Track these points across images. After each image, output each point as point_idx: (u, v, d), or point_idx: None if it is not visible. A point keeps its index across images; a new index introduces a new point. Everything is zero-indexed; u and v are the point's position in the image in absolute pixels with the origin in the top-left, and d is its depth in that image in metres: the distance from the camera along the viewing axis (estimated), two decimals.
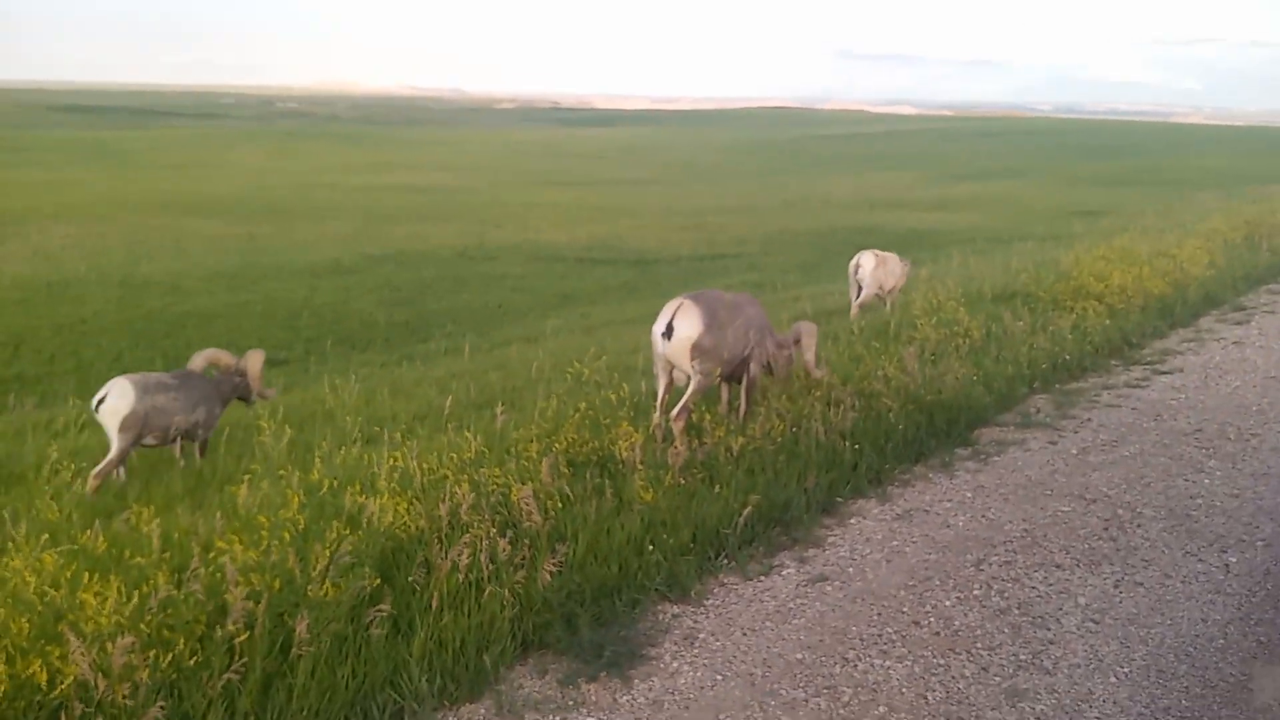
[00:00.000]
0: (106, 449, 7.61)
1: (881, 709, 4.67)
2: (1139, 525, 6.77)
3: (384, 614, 4.87)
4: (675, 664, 5.05)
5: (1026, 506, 7.10)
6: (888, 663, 5.06)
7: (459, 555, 5.27)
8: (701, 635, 5.33)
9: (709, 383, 7.57)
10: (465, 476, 6.27)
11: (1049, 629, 5.38)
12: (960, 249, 20.98)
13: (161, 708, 4.12)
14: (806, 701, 4.73)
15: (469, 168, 67.04)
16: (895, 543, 6.49)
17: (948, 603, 5.68)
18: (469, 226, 36.00)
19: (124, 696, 4.14)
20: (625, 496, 6.39)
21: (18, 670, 4.15)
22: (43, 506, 6.17)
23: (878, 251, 13.45)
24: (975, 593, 5.80)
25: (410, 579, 5.24)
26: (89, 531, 5.46)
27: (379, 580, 5.13)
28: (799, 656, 5.11)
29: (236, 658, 4.46)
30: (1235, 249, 18.63)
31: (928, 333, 10.61)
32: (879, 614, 5.56)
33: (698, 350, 7.37)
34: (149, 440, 7.85)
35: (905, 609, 5.61)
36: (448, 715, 4.63)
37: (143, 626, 4.46)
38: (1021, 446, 8.38)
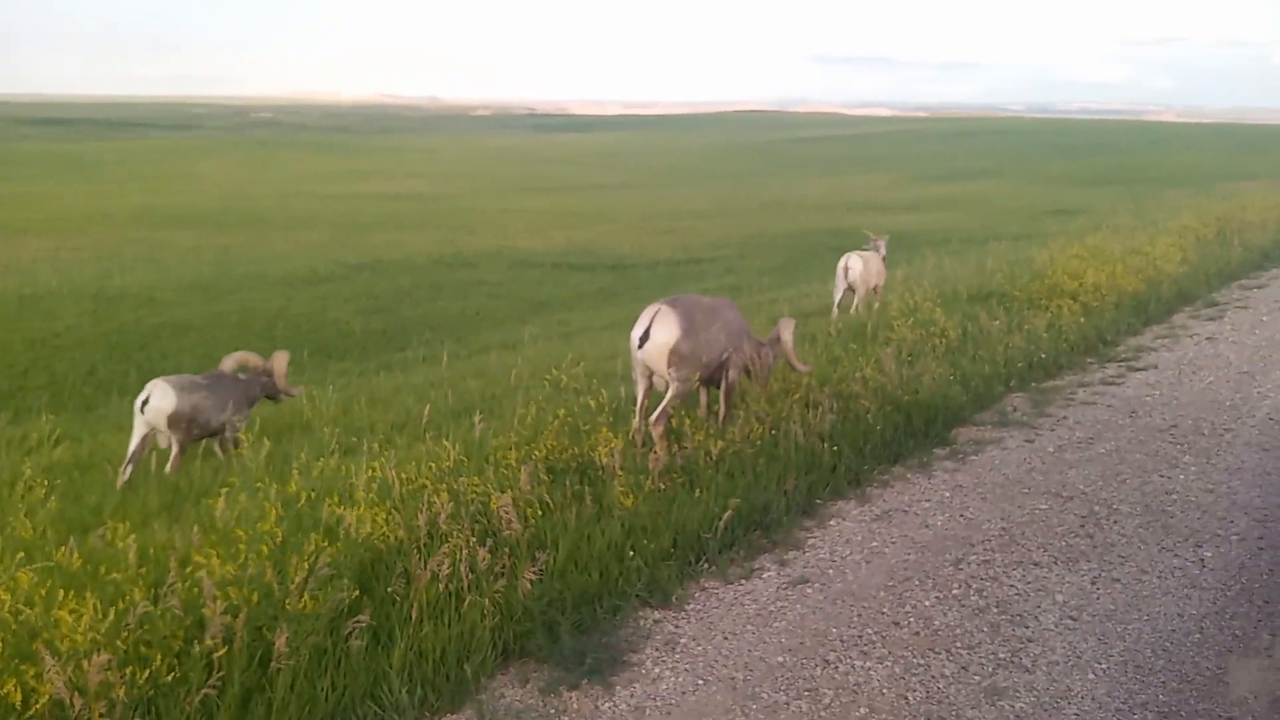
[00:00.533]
0: (123, 452, 8.35)
1: (863, 710, 4.68)
2: (1115, 522, 6.82)
3: (363, 625, 4.85)
4: (657, 670, 5.04)
5: (1004, 505, 7.14)
6: (868, 664, 5.07)
7: (438, 565, 5.25)
8: (683, 640, 5.33)
9: (687, 388, 7.58)
10: (444, 486, 6.24)
11: (1027, 627, 5.42)
12: (935, 250, 21.13)
13: None
14: (788, 704, 4.73)
15: (445, 175, 66.91)
16: (875, 543, 6.52)
17: (927, 602, 5.71)
18: (446, 234, 35.95)
19: (100, 714, 4.10)
20: (605, 503, 6.39)
21: None
22: (16, 524, 6.09)
23: (863, 252, 13.96)
24: (954, 592, 5.83)
25: (389, 590, 5.21)
26: (64, 548, 5.40)
27: (358, 592, 5.10)
28: (780, 659, 5.12)
29: (215, 673, 4.43)
30: (1207, 245, 18.81)
31: (904, 333, 10.66)
32: (859, 615, 5.57)
33: (675, 355, 7.37)
34: (193, 435, 8.51)
35: (885, 610, 5.63)
36: None
37: (119, 643, 4.42)
38: (999, 445, 8.43)
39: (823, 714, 4.66)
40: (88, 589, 4.83)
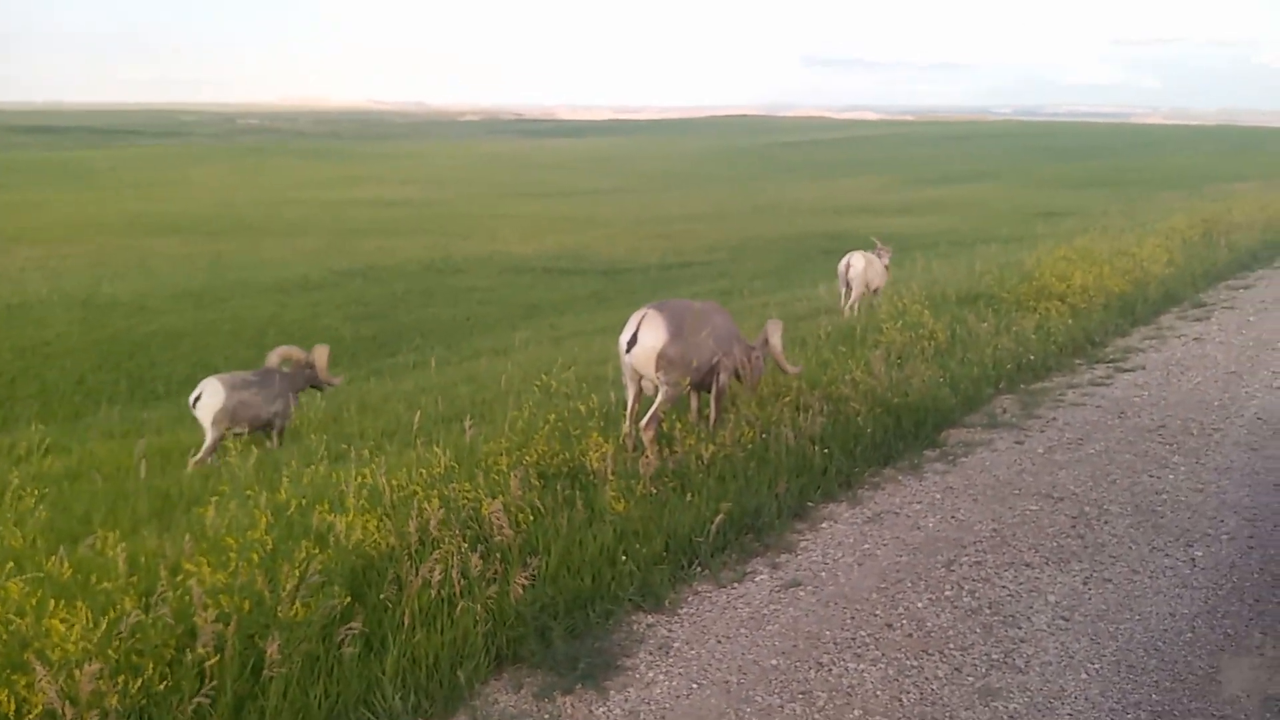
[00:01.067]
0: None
1: (857, 712, 4.69)
2: (1106, 522, 6.84)
3: (355, 632, 4.84)
4: (650, 674, 5.04)
5: (995, 506, 7.16)
6: (862, 666, 5.08)
7: (430, 571, 5.24)
8: (676, 644, 5.33)
9: (677, 392, 7.58)
10: (435, 492, 6.23)
11: (1020, 628, 5.43)
12: (925, 252, 21.19)
13: None
14: (782, 707, 4.74)
15: (435, 181, 66.89)
16: (866, 546, 6.52)
17: (920, 604, 5.72)
18: (436, 240, 35.95)
19: None
20: (597, 507, 6.38)
21: None
22: (6, 533, 6.07)
23: (865, 252, 14.29)
24: (947, 593, 5.84)
25: (381, 596, 5.20)
26: (54, 557, 5.38)
27: (350, 599, 5.09)
28: (774, 662, 5.12)
29: (207, 681, 4.42)
30: (1194, 247, 18.89)
31: (893, 336, 10.68)
32: (852, 617, 5.58)
33: (664, 360, 7.38)
34: (236, 430, 9.08)
35: (878, 612, 5.64)
36: None
37: (111, 652, 4.39)
38: (989, 447, 8.45)
39: (816, 716, 4.66)
40: (78, 598, 4.80)
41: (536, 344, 17.01)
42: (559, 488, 6.60)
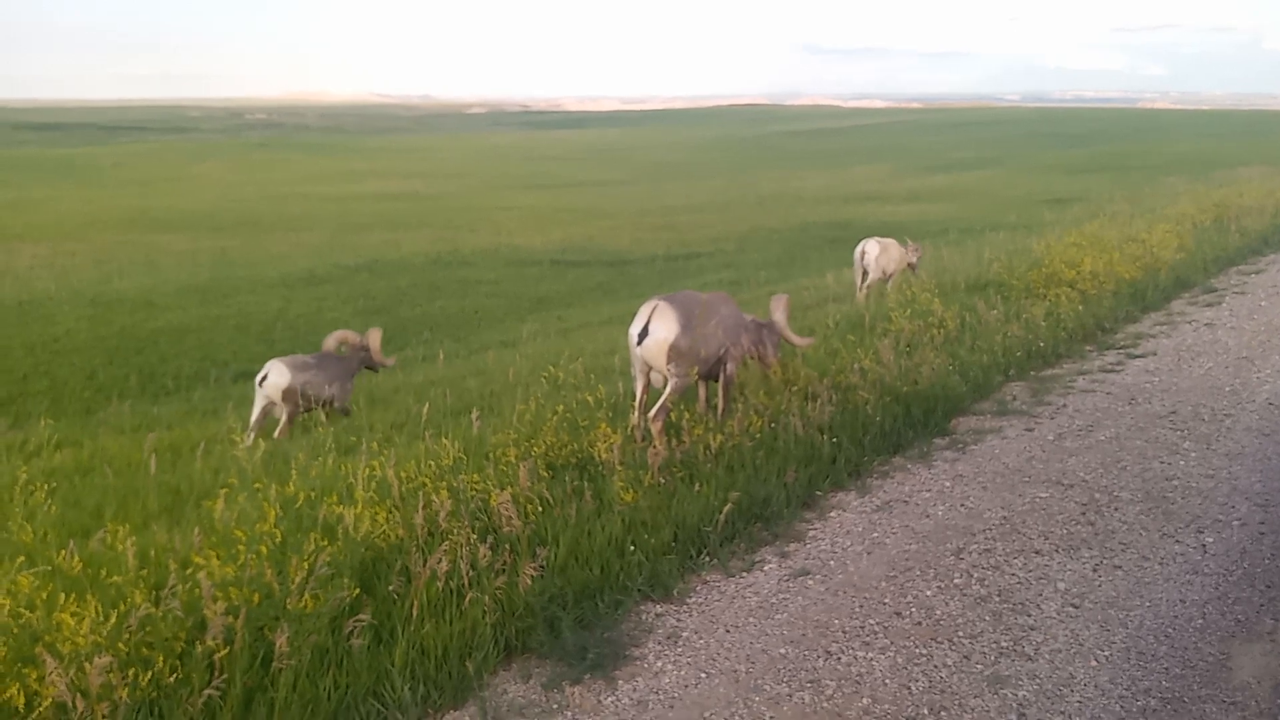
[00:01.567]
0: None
1: (865, 701, 4.68)
2: (1116, 509, 6.82)
3: (364, 624, 4.84)
4: (659, 663, 5.04)
5: (1005, 494, 7.14)
6: (870, 654, 5.07)
7: (439, 563, 5.24)
8: (685, 634, 5.32)
9: (686, 383, 7.57)
10: (443, 484, 6.24)
11: (1029, 615, 5.41)
12: (933, 240, 21.11)
13: None
14: (790, 696, 4.73)
15: (440, 174, 66.89)
16: (875, 534, 6.51)
17: (928, 592, 5.70)
18: (442, 233, 35.95)
19: (103, 717, 4.10)
20: (605, 498, 6.39)
21: None
22: (16, 528, 6.09)
23: (880, 238, 14.49)
24: (956, 581, 5.83)
25: (390, 588, 5.21)
26: (64, 552, 5.40)
27: (358, 590, 5.09)
28: (782, 651, 5.12)
29: (217, 674, 4.42)
30: (1205, 232, 18.80)
31: (902, 324, 10.65)
32: (861, 606, 5.57)
33: (674, 352, 7.37)
34: (302, 408, 9.78)
35: (887, 600, 5.63)
36: None
37: (121, 645, 4.40)
38: (998, 434, 8.43)
39: (825, 705, 4.66)
40: (89, 592, 4.82)
41: (544, 336, 16.99)
42: (567, 479, 6.60)
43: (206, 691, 4.32)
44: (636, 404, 7.72)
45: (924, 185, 50.24)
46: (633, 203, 47.18)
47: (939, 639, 5.20)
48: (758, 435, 7.53)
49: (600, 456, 6.92)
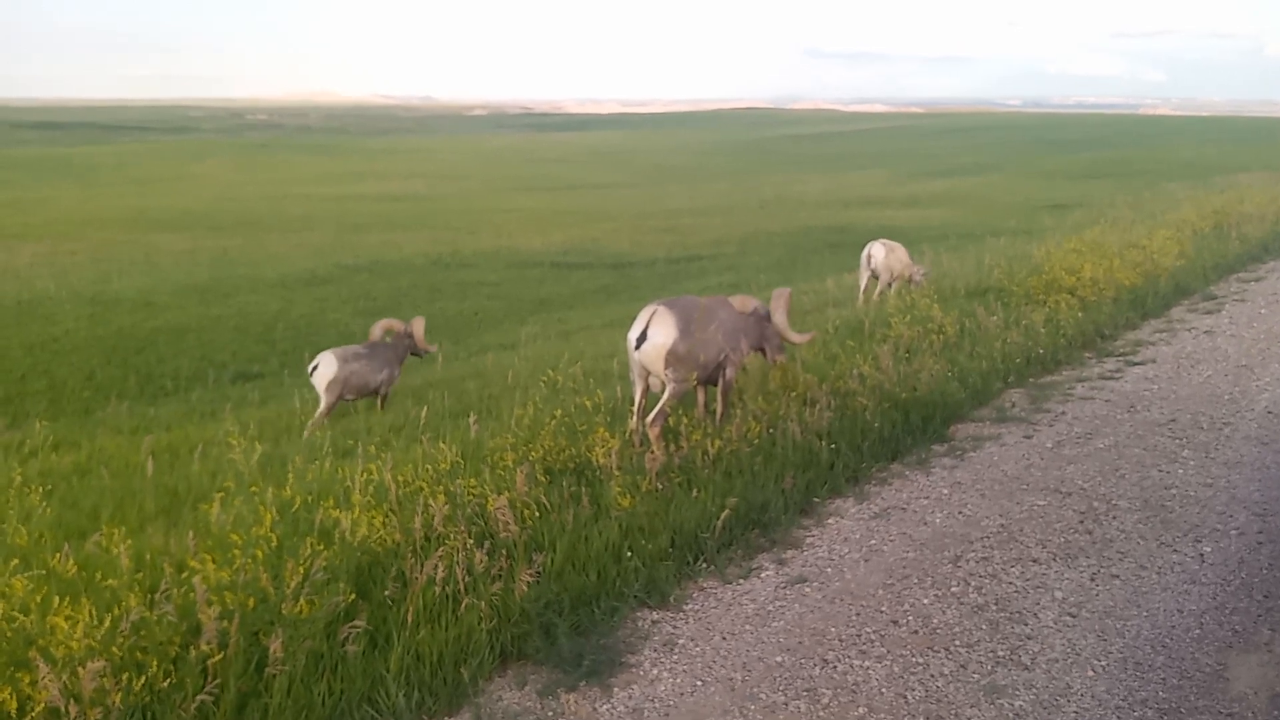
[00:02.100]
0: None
1: (861, 709, 4.66)
2: (1114, 517, 6.80)
3: (360, 629, 4.83)
4: (655, 671, 5.03)
5: (1003, 501, 7.12)
6: (867, 663, 5.06)
7: (435, 568, 5.23)
8: (681, 641, 5.31)
9: (684, 388, 7.56)
10: (440, 488, 6.23)
11: (1026, 624, 5.40)
12: (933, 245, 21.09)
13: None
14: (786, 705, 4.72)
15: (442, 175, 66.92)
16: (873, 541, 6.50)
17: (926, 601, 5.69)
18: (443, 234, 35.94)
19: None
20: (602, 503, 6.37)
21: None
22: (11, 530, 6.07)
23: (886, 241, 14.61)
24: (953, 590, 5.81)
25: (386, 593, 5.19)
26: (59, 555, 5.38)
27: (354, 595, 5.07)
28: (779, 659, 5.10)
29: (210, 678, 4.41)
30: (1205, 238, 18.79)
31: (902, 330, 10.64)
32: (858, 614, 5.56)
33: (673, 356, 7.35)
34: (348, 396, 10.53)
35: (884, 608, 5.61)
36: None
37: (115, 649, 4.39)
38: (997, 441, 8.41)
39: (821, 714, 4.64)
40: (83, 595, 4.81)
41: (544, 339, 16.97)
42: (565, 484, 6.58)
43: (200, 697, 4.30)
44: (635, 409, 7.71)
45: (924, 190, 50.23)
46: (634, 205, 47.19)
47: (936, 648, 5.18)
48: (756, 441, 7.51)
49: (598, 461, 6.91)
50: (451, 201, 49.87)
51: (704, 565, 6.13)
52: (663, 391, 7.53)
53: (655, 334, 7.38)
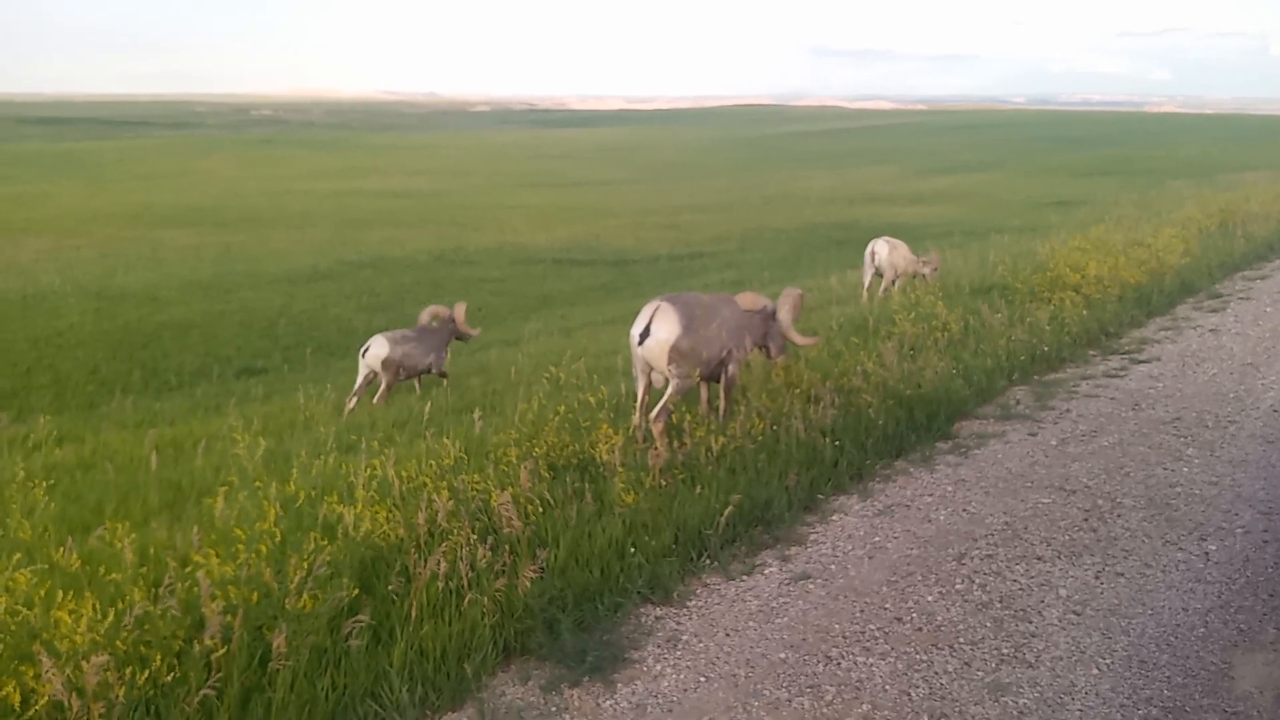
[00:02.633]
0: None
1: (865, 707, 4.66)
2: (1119, 515, 6.79)
3: (363, 624, 4.83)
4: (658, 667, 5.02)
5: (1007, 499, 7.11)
6: (870, 660, 5.05)
7: (438, 563, 5.22)
8: (684, 637, 5.30)
9: (688, 384, 7.55)
10: (444, 483, 6.22)
11: (1031, 622, 5.39)
12: (937, 243, 21.04)
13: None
14: (790, 701, 4.71)
15: (445, 171, 66.89)
16: (877, 539, 6.49)
17: (930, 598, 5.68)
18: (446, 230, 35.94)
19: (100, 715, 4.08)
20: (606, 499, 6.36)
21: None
22: (15, 524, 6.08)
23: (890, 238, 14.65)
24: (957, 587, 5.80)
25: (389, 588, 5.19)
26: (63, 549, 5.38)
27: (358, 590, 5.07)
28: (782, 656, 5.10)
29: (214, 673, 4.41)
30: (1210, 237, 18.75)
31: (906, 327, 10.62)
32: (861, 611, 5.55)
33: (676, 353, 7.34)
34: (401, 375, 11.25)
35: (887, 605, 5.61)
36: None
37: (118, 644, 4.39)
38: (1001, 439, 8.40)
39: (825, 711, 4.64)
40: (87, 589, 4.81)
41: (547, 335, 16.96)
42: (568, 480, 6.58)
43: (203, 691, 4.30)
44: (638, 405, 7.70)
45: (929, 187, 50.16)
46: (637, 202, 47.17)
47: (940, 645, 5.17)
48: (759, 437, 7.50)
49: (601, 458, 6.90)
50: (455, 197, 49.85)
51: (708, 562, 6.12)
52: (666, 387, 7.52)
53: (658, 329, 7.37)
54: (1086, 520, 6.71)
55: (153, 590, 4.87)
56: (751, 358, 8.46)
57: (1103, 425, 8.70)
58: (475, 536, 5.63)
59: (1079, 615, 5.45)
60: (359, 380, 11.30)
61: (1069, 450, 8.10)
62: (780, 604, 5.64)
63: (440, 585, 5.19)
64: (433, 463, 6.57)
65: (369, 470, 6.42)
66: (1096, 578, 5.88)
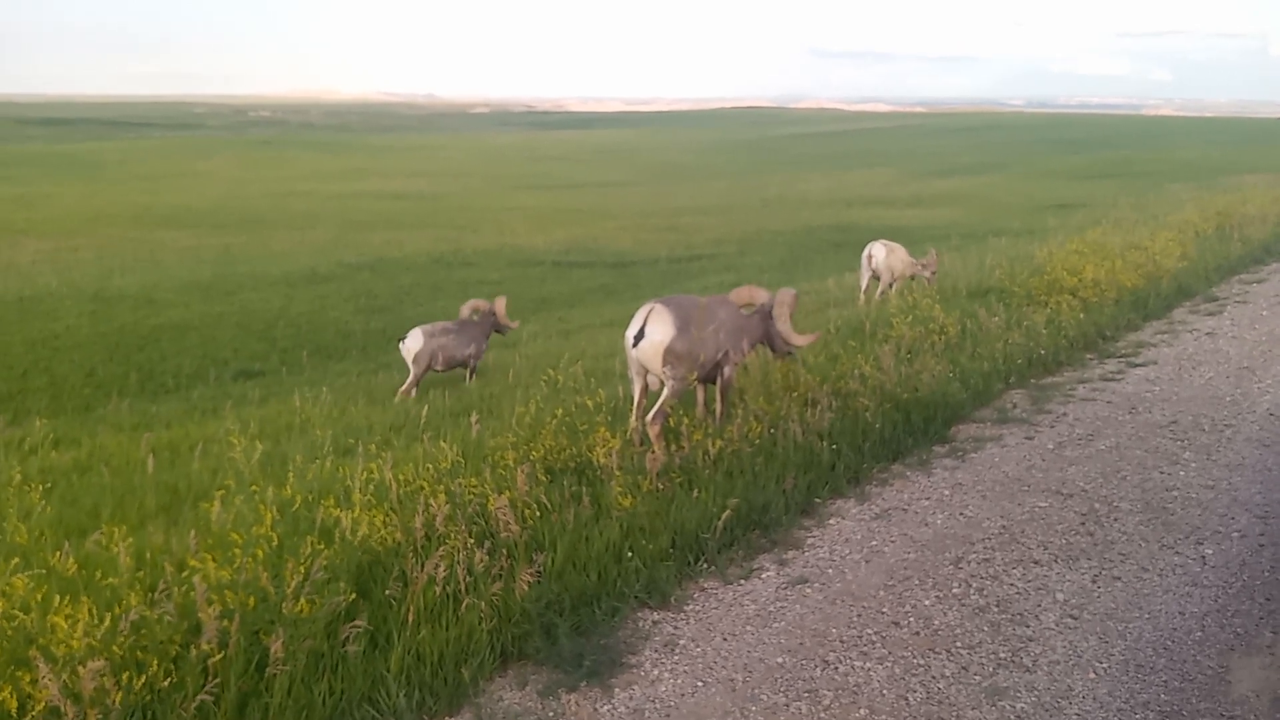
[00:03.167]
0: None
1: (863, 711, 4.66)
2: (1115, 519, 6.79)
3: (360, 629, 4.82)
4: (656, 671, 5.02)
5: (1004, 503, 7.11)
6: (868, 664, 5.05)
7: (435, 567, 5.22)
8: (682, 641, 5.31)
9: (683, 387, 7.55)
10: (441, 487, 6.22)
11: (1028, 626, 5.39)
12: (936, 245, 21.04)
13: None
14: (787, 706, 4.71)
15: (444, 173, 66.90)
16: (874, 542, 6.49)
17: (927, 602, 5.68)
18: (445, 232, 35.93)
19: None
20: (603, 503, 6.36)
21: None
22: (11, 528, 6.07)
23: (887, 241, 14.68)
24: (954, 591, 5.81)
25: (386, 593, 5.19)
26: (59, 553, 5.38)
27: (354, 595, 5.07)
28: (779, 660, 5.10)
29: (211, 678, 4.41)
30: (1207, 240, 18.77)
31: (903, 331, 10.62)
32: (859, 615, 5.55)
33: (670, 354, 7.34)
34: (438, 367, 11.81)
35: (885, 609, 5.61)
36: None
37: (115, 649, 4.39)
38: (998, 442, 8.40)
39: (822, 715, 4.64)
40: (83, 594, 4.80)
41: (545, 337, 16.97)
42: (565, 483, 6.57)
43: (200, 696, 4.30)
44: (635, 408, 7.70)
45: (928, 190, 50.19)
46: (636, 204, 47.18)
47: (937, 649, 5.17)
48: (757, 441, 7.50)
49: (599, 461, 6.90)
50: (454, 199, 49.86)
51: (705, 566, 6.12)
52: (662, 390, 7.52)
53: (653, 331, 7.36)
54: (1083, 524, 6.72)
55: (149, 595, 4.87)
56: (749, 360, 8.46)
57: (1099, 429, 8.70)
58: (472, 540, 5.63)
59: (1076, 619, 5.45)
60: (413, 371, 11.82)
61: (1066, 454, 8.10)
62: (778, 608, 5.64)
63: (437, 590, 5.18)
64: (430, 466, 6.57)
65: (366, 474, 6.41)
66: (1093, 582, 5.89)
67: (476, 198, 50.92)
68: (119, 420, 12.24)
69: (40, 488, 7.21)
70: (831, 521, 6.84)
